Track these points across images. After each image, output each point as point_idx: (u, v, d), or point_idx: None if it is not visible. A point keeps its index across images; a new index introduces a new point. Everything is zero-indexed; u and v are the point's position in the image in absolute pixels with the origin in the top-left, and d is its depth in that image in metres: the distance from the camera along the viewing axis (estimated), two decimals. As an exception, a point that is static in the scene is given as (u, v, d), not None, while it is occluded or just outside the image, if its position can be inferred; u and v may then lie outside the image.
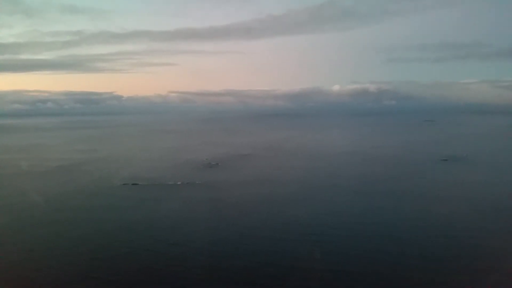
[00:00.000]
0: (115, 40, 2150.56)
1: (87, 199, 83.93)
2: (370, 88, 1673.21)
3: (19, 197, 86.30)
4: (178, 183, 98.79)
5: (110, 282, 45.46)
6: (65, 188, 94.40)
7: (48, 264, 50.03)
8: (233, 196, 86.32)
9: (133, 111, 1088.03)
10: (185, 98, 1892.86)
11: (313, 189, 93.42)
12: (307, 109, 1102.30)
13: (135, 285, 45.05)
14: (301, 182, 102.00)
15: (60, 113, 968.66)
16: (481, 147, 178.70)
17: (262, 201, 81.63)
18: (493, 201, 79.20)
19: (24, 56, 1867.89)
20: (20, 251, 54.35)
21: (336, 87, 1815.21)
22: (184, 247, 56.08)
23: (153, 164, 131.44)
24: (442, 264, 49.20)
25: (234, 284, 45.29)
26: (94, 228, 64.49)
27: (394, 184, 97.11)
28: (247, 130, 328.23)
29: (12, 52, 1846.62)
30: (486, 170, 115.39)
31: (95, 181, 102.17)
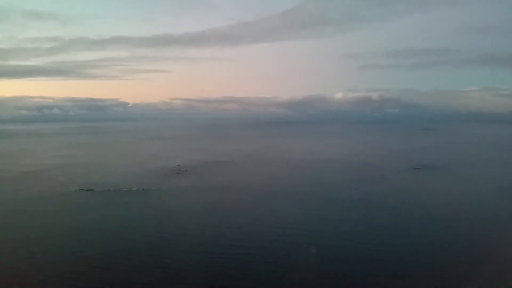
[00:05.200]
0: (96, 46, 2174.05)
1: (33, 204, 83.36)
2: (373, 96, 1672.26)
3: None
4: (134, 189, 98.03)
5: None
6: (18, 193, 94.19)
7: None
8: (182, 202, 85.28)
9: (139, 117, 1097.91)
10: (190, 105, 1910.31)
11: (271, 196, 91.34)
12: (309, 116, 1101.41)
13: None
14: (262, 189, 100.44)
15: (65, 119, 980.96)
16: (465, 156, 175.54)
17: (211, 208, 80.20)
18: (445, 208, 77.15)
19: (13, 62, 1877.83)
20: None
21: (339, 95, 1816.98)
22: (114, 254, 54.96)
23: (122, 170, 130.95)
24: (389, 274, 47.75)
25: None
26: (26, 232, 63.89)
27: (352, 191, 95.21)
28: (241, 136, 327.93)
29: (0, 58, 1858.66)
30: (453, 179, 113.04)
31: (53, 187, 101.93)
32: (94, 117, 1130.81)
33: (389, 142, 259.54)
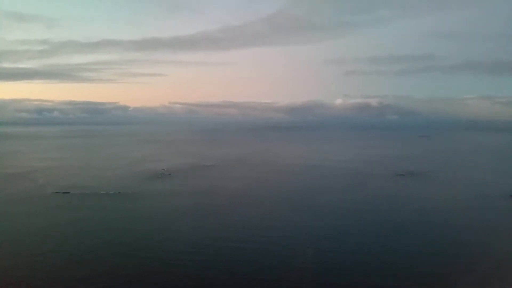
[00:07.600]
0: (87, 49, 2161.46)
1: (1, 206, 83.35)
2: (372, 102, 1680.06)
3: None
4: (111, 192, 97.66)
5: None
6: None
7: None
8: (155, 206, 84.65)
9: (140, 121, 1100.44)
10: (190, 109, 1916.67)
11: (248, 202, 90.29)
12: (308, 122, 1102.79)
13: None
14: (239, 194, 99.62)
15: (66, 122, 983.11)
16: (455, 163, 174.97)
17: (184, 212, 79.71)
18: (415, 214, 76.63)
19: (6, 65, 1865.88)
20: None
21: (338, 101, 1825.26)
22: (73, 258, 54.29)
23: (105, 173, 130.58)
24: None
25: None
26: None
27: (330, 196, 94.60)
28: (235, 141, 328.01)
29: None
30: (432, 185, 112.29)
31: (30, 189, 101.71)
32: (94, 120, 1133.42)
33: (383, 149, 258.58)
